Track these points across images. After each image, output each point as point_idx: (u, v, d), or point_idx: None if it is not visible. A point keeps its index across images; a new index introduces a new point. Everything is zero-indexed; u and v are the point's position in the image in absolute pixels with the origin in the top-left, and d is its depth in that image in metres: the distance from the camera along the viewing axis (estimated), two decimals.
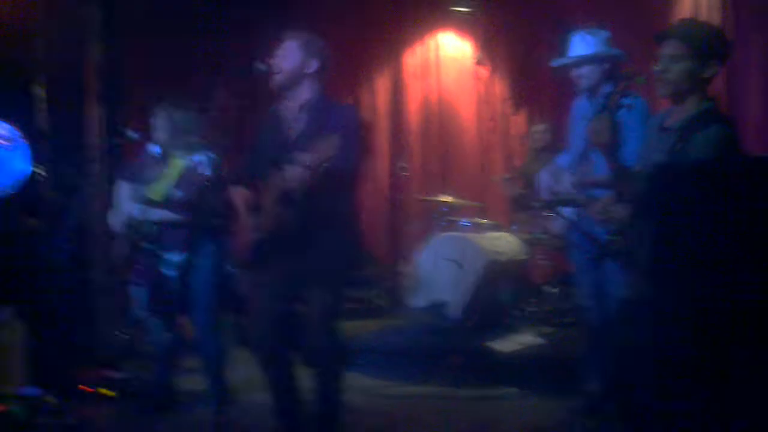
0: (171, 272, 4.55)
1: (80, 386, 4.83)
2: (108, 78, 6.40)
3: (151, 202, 4.52)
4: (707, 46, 2.90)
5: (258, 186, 3.65)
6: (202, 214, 4.44)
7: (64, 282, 4.83)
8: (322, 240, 3.50)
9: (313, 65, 3.59)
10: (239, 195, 3.68)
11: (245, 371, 4.83)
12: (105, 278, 5.76)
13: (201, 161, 4.46)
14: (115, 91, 6.54)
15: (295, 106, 3.64)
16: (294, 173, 3.25)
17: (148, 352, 4.95)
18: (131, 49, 6.64)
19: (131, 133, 4.89)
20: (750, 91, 6.10)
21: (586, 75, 4.24)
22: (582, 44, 4.25)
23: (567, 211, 4.23)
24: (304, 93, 3.61)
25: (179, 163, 4.53)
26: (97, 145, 6.14)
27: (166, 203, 4.52)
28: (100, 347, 5.54)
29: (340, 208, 3.57)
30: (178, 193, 4.50)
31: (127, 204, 4.72)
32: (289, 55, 3.58)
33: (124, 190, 4.80)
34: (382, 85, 8.31)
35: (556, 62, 4.40)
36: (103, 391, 4.83)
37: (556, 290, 6.15)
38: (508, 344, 5.30)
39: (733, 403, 2.24)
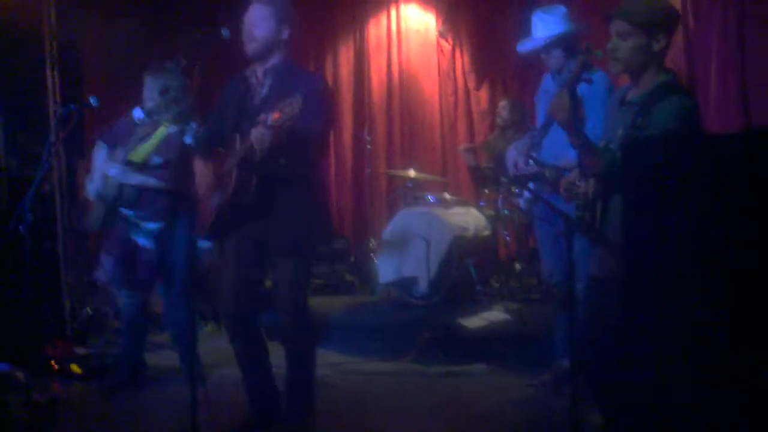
0: (146, 241, 4.49)
1: (50, 362, 4.75)
2: (66, 41, 6.23)
3: (131, 164, 4.43)
4: (653, 21, 2.95)
5: (220, 152, 3.59)
6: (181, 184, 4.36)
7: (28, 254, 4.71)
8: (286, 205, 3.46)
9: (286, 32, 3.54)
10: (201, 162, 3.63)
11: (218, 345, 4.83)
12: (70, 250, 5.66)
13: (185, 129, 4.38)
14: (73, 55, 6.37)
15: (261, 70, 3.58)
16: (257, 133, 3.19)
17: (115, 326, 4.88)
18: (90, 12, 6.45)
19: (91, 99, 4.76)
20: (711, 69, 6.18)
21: (550, 56, 4.27)
22: (542, 25, 4.26)
23: (533, 186, 4.28)
24: (273, 58, 3.56)
25: (163, 130, 4.44)
26: (55, 111, 5.99)
27: (147, 167, 4.43)
28: (68, 321, 5.45)
29: (305, 173, 3.52)
30: (158, 159, 4.42)
31: (104, 167, 4.62)
32: (262, 22, 3.50)
33: (101, 153, 4.69)
34: (344, 57, 8.23)
35: (519, 48, 4.41)
36: (73, 367, 4.76)
37: (521, 266, 6.21)
38: (475, 320, 5.34)
39: (702, 378, 2.28)
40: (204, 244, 4.48)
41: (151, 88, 4.53)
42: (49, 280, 5.54)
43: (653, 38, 2.94)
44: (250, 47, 3.52)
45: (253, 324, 3.68)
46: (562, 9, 4.28)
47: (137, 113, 4.66)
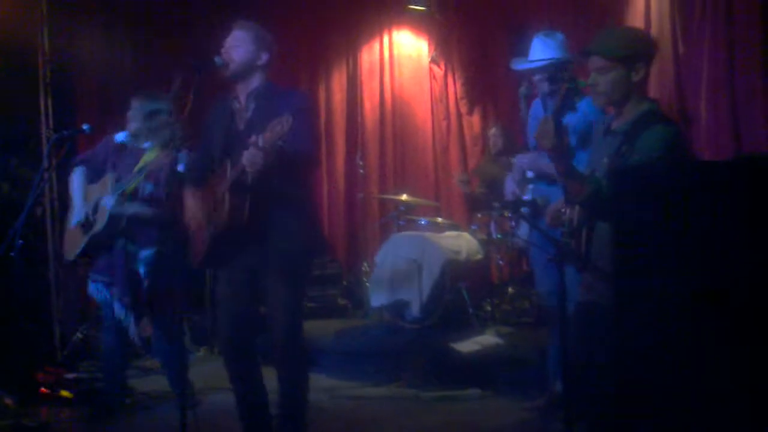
0: (141, 268, 4.46)
1: (39, 387, 4.72)
2: (60, 67, 6.25)
3: (125, 195, 4.40)
4: (629, 53, 2.98)
5: (209, 178, 3.60)
6: (173, 212, 4.32)
7: (19, 280, 4.69)
8: (279, 227, 3.46)
9: (264, 58, 3.59)
10: (191, 190, 3.64)
11: (210, 370, 4.79)
12: (61, 275, 5.63)
13: (176, 157, 4.35)
14: (65, 81, 6.40)
15: (244, 95, 3.61)
16: (248, 155, 3.20)
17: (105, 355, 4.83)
18: (84, 39, 6.49)
19: (83, 126, 4.77)
20: (702, 96, 6.23)
21: (545, 79, 4.30)
22: (541, 48, 4.31)
23: (526, 212, 4.29)
24: (253, 83, 3.60)
25: (151, 155, 4.42)
26: (46, 136, 5.99)
27: (139, 198, 4.42)
28: (57, 346, 5.42)
29: (296, 193, 3.54)
30: (150, 187, 4.41)
31: (83, 193, 4.58)
32: (241, 46, 3.56)
33: (79, 178, 4.65)
34: (337, 83, 8.27)
35: (516, 65, 4.44)
36: (63, 392, 4.72)
37: (514, 289, 6.20)
38: (468, 344, 5.32)
39: (696, 401, 2.28)
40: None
41: (137, 111, 4.53)
42: (39, 306, 5.52)
43: (631, 69, 2.96)
44: (228, 68, 3.55)
45: (248, 349, 3.66)
46: (560, 36, 4.33)
47: (119, 137, 4.64)
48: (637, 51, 3.00)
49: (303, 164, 3.53)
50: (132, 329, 4.47)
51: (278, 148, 3.17)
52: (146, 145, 4.52)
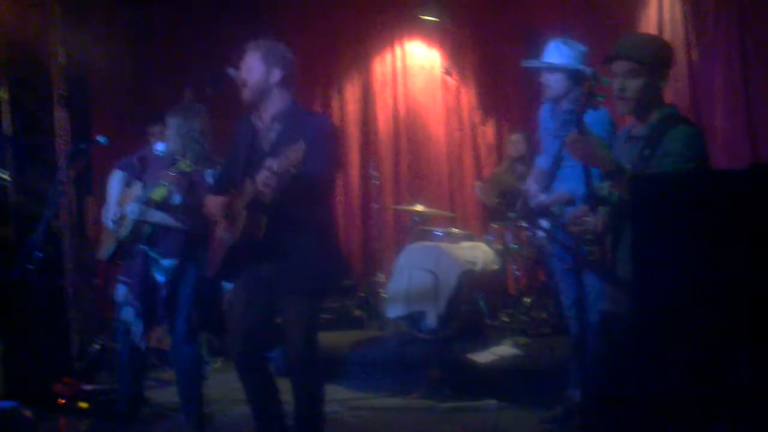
0: (161, 277, 4.47)
1: (56, 399, 4.72)
2: (75, 81, 6.29)
3: (151, 203, 4.43)
4: (658, 57, 2.97)
5: (232, 196, 3.61)
6: (199, 223, 4.33)
7: (37, 291, 4.71)
8: (296, 247, 3.46)
9: (277, 75, 3.53)
10: (213, 204, 3.64)
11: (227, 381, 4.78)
12: (78, 286, 5.65)
13: (205, 171, 4.38)
14: (81, 93, 6.44)
15: (268, 116, 3.59)
16: (262, 177, 3.20)
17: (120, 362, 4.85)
18: (99, 51, 6.52)
19: (99, 138, 4.80)
20: (715, 100, 6.21)
21: (551, 84, 4.23)
22: (556, 53, 4.26)
23: (544, 222, 4.25)
24: (275, 103, 3.56)
25: (184, 168, 4.44)
26: (64, 149, 6.02)
27: (166, 206, 4.44)
28: (75, 358, 5.43)
29: (313, 216, 3.53)
30: (178, 199, 4.43)
31: (119, 195, 4.62)
32: (252, 68, 3.53)
33: (117, 182, 4.68)
34: (350, 94, 8.25)
35: (526, 63, 4.39)
36: (81, 404, 4.73)
37: (531, 300, 6.16)
38: (485, 355, 5.30)
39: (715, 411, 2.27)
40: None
41: (172, 129, 4.57)
42: (56, 317, 5.53)
43: (659, 75, 2.95)
44: (244, 94, 3.56)
45: (261, 361, 3.67)
46: (580, 47, 4.23)
47: (159, 146, 4.70)
48: (665, 57, 3.00)
49: (320, 189, 3.53)
50: (137, 337, 4.48)
51: (292, 173, 3.16)
52: (178, 158, 4.55)
